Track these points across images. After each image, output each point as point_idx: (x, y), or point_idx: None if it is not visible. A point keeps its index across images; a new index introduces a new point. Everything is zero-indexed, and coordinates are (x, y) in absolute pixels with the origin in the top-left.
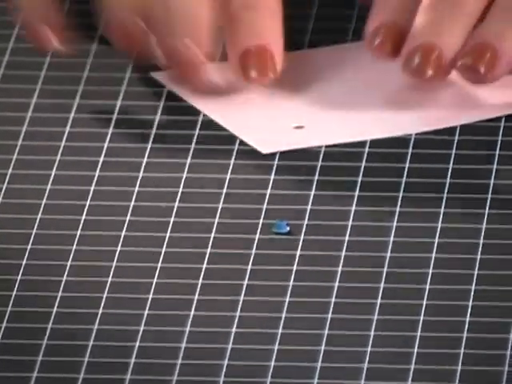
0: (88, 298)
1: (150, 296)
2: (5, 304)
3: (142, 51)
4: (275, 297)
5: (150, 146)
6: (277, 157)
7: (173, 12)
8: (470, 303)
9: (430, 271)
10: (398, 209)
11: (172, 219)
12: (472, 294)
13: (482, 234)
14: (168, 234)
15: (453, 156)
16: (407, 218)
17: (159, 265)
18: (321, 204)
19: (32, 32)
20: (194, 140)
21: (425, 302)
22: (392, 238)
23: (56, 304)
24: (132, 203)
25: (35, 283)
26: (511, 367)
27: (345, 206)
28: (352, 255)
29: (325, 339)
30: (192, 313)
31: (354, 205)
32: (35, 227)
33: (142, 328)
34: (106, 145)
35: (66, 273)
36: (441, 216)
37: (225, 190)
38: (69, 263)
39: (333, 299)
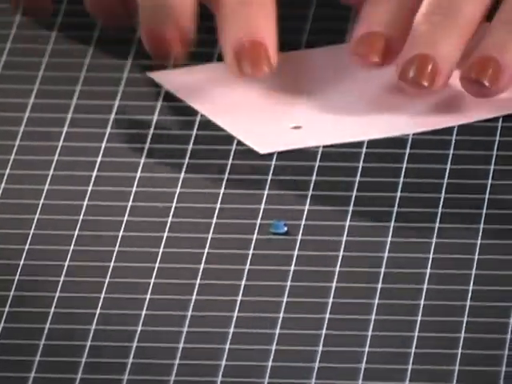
0: (86, 298)
1: (148, 296)
2: (3, 304)
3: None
4: (273, 297)
5: (147, 146)
6: (274, 157)
7: None
8: (468, 303)
9: (428, 271)
10: (395, 209)
11: (169, 219)
12: (470, 294)
13: (480, 234)
14: (165, 235)
15: (450, 156)
16: (405, 219)
17: (157, 265)
18: (318, 204)
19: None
20: (192, 140)
21: (422, 302)
22: (389, 239)
23: (54, 304)
24: (129, 203)
25: (33, 283)
26: (508, 367)
27: (342, 207)
28: (349, 255)
29: (322, 339)
30: (190, 313)
31: (351, 205)
32: (33, 227)
33: (139, 328)
34: (103, 145)
35: (63, 273)
36: (438, 216)
37: (222, 191)
38: (66, 263)
39: (330, 299)
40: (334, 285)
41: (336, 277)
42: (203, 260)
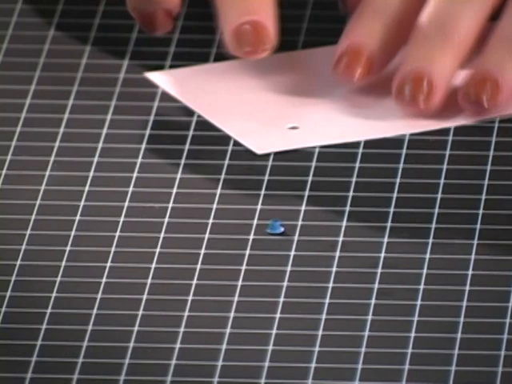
0: (82, 298)
1: (144, 297)
2: None
3: None
4: (269, 297)
5: (144, 146)
6: (271, 157)
7: None
8: (465, 303)
9: (425, 271)
10: (392, 209)
11: (166, 220)
12: (466, 294)
13: (477, 235)
14: (162, 235)
15: (447, 156)
16: (401, 219)
17: (153, 265)
18: (315, 205)
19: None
20: (189, 141)
21: (419, 303)
22: (386, 239)
23: (50, 305)
24: (126, 204)
25: (29, 284)
26: (506, 368)
27: (339, 207)
28: (346, 256)
29: (319, 340)
30: (186, 313)
31: (348, 205)
32: (29, 228)
33: (136, 329)
34: (100, 145)
35: (60, 273)
36: (435, 216)
37: (219, 191)
38: (63, 264)
39: (327, 300)
40: (330, 285)
41: (332, 277)
42: (200, 260)
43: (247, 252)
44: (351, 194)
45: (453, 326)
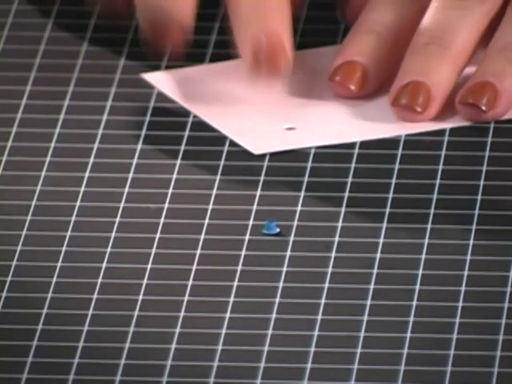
0: (78, 299)
1: (140, 297)
2: None
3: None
4: (265, 298)
5: (139, 147)
6: (267, 158)
7: None
8: (460, 304)
9: (420, 272)
10: (387, 210)
11: (162, 220)
12: (462, 294)
13: (472, 235)
14: (158, 235)
15: (442, 157)
16: (397, 219)
17: (149, 266)
18: (311, 205)
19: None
20: (184, 141)
21: (415, 303)
22: (382, 239)
23: (46, 305)
24: (122, 204)
25: (25, 284)
26: (501, 368)
27: (335, 207)
28: (342, 256)
29: (315, 340)
30: (182, 314)
31: (343, 206)
32: (25, 228)
33: (131, 329)
34: (95, 146)
35: (55, 274)
36: (431, 217)
37: (215, 191)
38: (59, 264)
39: (323, 300)
40: (326, 286)
41: (328, 278)
42: (195, 261)
43: (243, 252)
44: (347, 194)
45: (448, 327)
